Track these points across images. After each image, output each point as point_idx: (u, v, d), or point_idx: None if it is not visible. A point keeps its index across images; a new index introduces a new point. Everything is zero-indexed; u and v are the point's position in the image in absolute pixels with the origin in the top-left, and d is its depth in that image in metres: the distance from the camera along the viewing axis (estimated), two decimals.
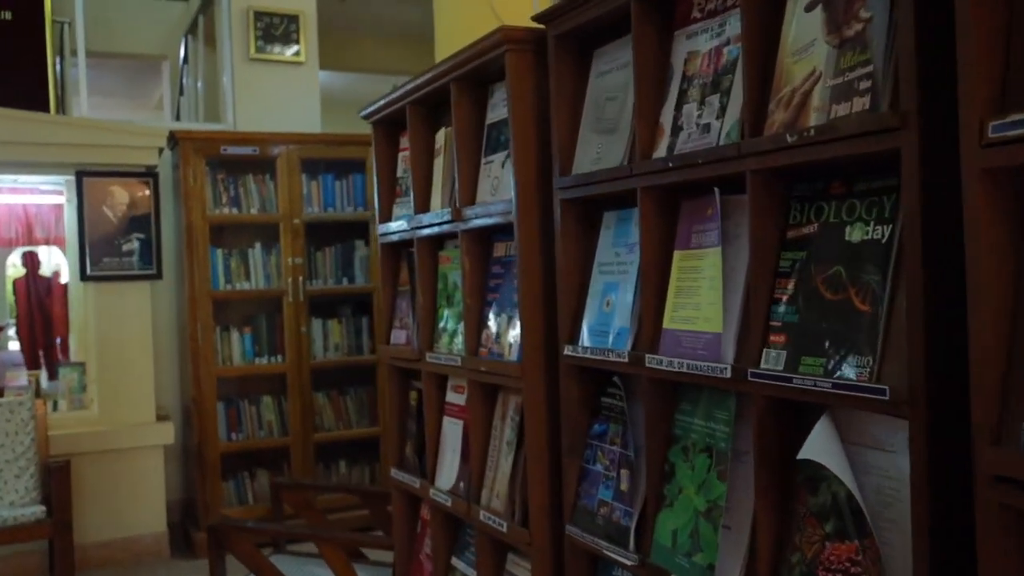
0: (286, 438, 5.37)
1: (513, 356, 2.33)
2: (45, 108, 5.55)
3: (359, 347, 5.60)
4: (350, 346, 5.58)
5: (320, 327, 5.49)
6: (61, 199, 6.01)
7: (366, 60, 9.21)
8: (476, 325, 2.52)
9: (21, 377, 5.46)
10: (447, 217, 2.56)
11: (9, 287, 9.95)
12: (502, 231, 2.47)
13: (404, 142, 3.01)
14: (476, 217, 2.45)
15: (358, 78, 9.59)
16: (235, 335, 5.33)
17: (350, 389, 5.62)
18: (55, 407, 5.22)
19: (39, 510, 4.40)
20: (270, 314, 5.42)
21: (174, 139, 5.17)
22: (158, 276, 5.12)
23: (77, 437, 4.91)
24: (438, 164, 2.70)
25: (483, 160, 2.51)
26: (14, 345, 9.93)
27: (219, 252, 5.28)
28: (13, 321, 10.03)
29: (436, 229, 2.67)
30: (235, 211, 5.33)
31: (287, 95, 5.92)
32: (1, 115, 4.73)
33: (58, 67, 6.00)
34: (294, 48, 5.92)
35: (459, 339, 2.63)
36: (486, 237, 2.54)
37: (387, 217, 3.07)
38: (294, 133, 5.44)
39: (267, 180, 5.39)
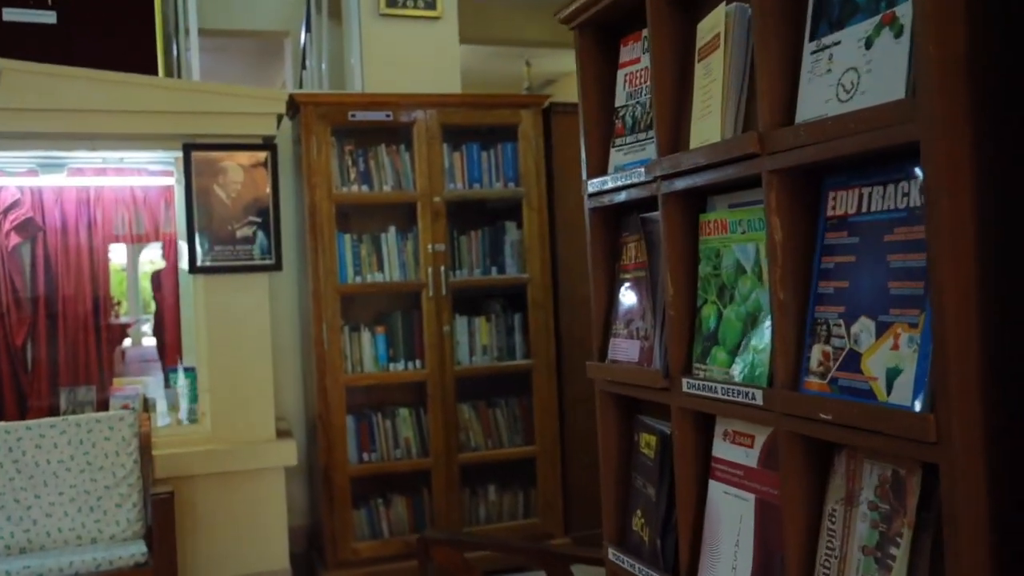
0: (426, 459, 4.36)
1: (903, 398, 1.20)
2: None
3: (511, 350, 4.55)
4: (500, 349, 4.53)
5: (465, 326, 4.47)
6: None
7: (497, 30, 8.18)
8: (795, 335, 1.40)
9: (131, 386, 4.61)
10: (740, 151, 1.45)
11: (146, 283, 9.35)
12: (847, 171, 1.34)
13: (629, 52, 1.91)
14: (804, 144, 1.33)
15: (488, 53, 8.58)
16: (366, 336, 4.35)
17: (500, 400, 4.58)
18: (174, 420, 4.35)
19: (139, 552, 3.50)
20: (406, 311, 4.42)
21: (294, 106, 4.22)
22: (277, 267, 4.19)
23: (186, 457, 4.02)
24: (707, 70, 1.58)
25: (808, 46, 1.39)
26: (149, 341, 9.34)
27: (347, 238, 4.31)
28: (148, 317, 9.44)
29: (707, 176, 1.56)
30: (365, 189, 4.34)
31: (422, 55, 4.91)
32: (96, 78, 3.87)
33: (174, 47, 5.16)
34: (430, 1, 4.91)
35: (750, 358, 1.52)
36: (812, 183, 1.41)
37: (599, 168, 1.97)
38: (433, 94, 4.43)
39: (402, 151, 4.39)
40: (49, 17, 4.60)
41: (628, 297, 1.88)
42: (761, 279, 1.51)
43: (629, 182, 1.80)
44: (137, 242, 6.10)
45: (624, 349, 1.86)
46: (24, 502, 3.64)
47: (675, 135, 1.69)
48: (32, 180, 4.51)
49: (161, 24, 4.88)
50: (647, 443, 1.85)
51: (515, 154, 4.51)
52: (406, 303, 4.46)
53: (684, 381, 1.65)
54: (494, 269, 4.51)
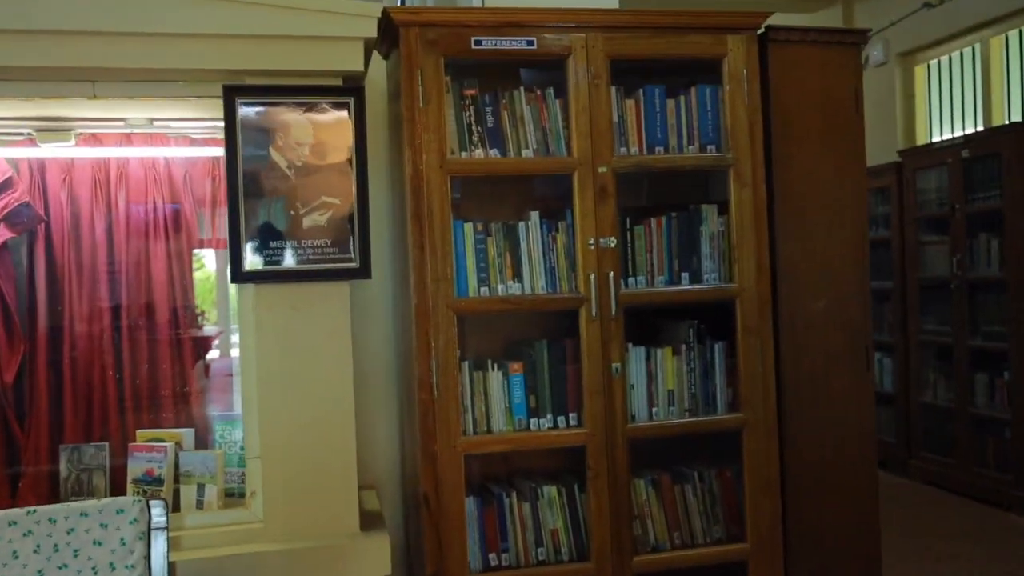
0: (585, 564, 2.77)
1: None
2: None
3: (710, 398, 2.93)
4: (694, 396, 2.92)
5: (642, 363, 2.87)
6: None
7: None
8: None
9: (159, 442, 3.12)
10: None
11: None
12: None
13: None
14: None
15: None
16: (496, 378, 2.78)
17: (691, 473, 2.96)
18: (200, 498, 2.87)
19: None
20: (556, 340, 2.84)
21: (392, 29, 2.70)
22: (364, 273, 2.67)
23: (224, 564, 2.54)
24: None
25: None
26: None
27: (467, 229, 2.76)
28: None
29: None
30: (495, 154, 2.79)
31: None
32: None
33: None
34: None
35: None
36: None
37: None
38: (597, 10, 2.85)
39: (549, 99, 2.82)
40: None
41: None
42: None
43: None
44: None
45: None
46: None
47: None
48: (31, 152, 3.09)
49: None
50: None
51: (716, 102, 2.90)
52: (556, 328, 2.89)
53: None
54: (685, 276, 2.90)
